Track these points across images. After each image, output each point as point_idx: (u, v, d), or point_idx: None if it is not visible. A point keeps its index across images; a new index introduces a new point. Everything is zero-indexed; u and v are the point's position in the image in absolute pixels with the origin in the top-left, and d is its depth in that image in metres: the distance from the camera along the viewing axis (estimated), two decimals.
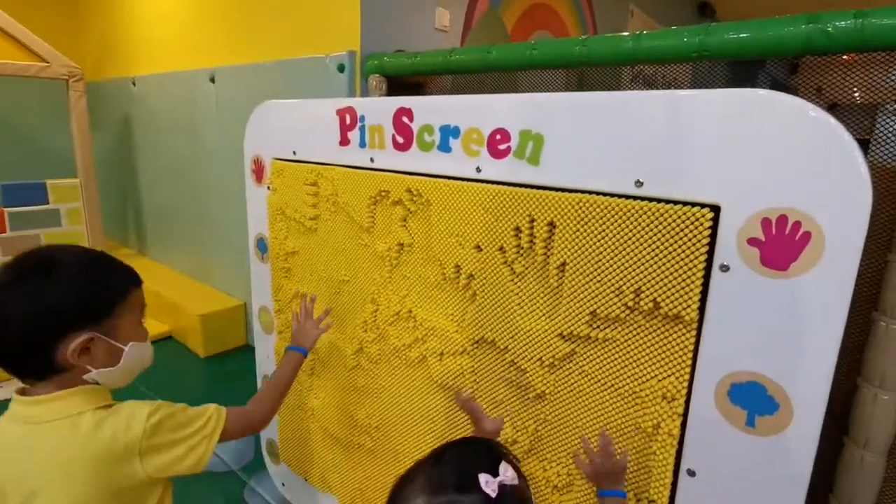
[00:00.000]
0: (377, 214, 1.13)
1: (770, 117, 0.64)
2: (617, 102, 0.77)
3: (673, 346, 0.76)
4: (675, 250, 0.72)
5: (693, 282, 0.71)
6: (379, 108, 1.07)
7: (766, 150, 0.65)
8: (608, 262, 0.79)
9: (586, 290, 0.82)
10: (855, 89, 1.18)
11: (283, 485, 1.59)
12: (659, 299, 0.75)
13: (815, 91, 1.28)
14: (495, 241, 0.92)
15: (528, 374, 0.93)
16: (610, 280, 0.79)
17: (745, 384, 0.69)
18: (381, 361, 1.19)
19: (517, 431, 0.97)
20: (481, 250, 0.95)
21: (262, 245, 1.45)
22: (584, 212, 0.80)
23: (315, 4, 2.01)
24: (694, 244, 0.70)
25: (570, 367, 0.88)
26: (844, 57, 1.13)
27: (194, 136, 2.73)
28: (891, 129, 1.01)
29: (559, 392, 0.90)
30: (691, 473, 0.76)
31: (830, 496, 0.92)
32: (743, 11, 4.16)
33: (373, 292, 1.17)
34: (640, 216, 0.74)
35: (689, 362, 0.74)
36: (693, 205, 0.70)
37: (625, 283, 0.78)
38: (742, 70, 1.42)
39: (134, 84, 3.11)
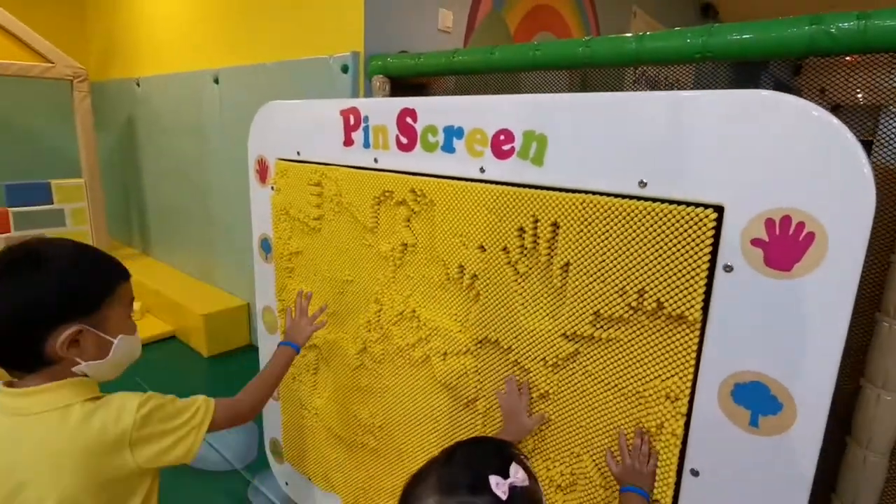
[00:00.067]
0: (381, 215, 1.13)
1: (774, 118, 0.64)
2: (620, 103, 0.77)
3: (676, 347, 0.76)
4: (678, 251, 0.72)
5: (696, 282, 0.72)
6: (383, 109, 1.08)
7: (770, 150, 0.65)
8: (612, 262, 0.79)
9: (590, 290, 0.82)
10: (858, 91, 1.19)
11: (287, 484, 1.60)
12: (662, 299, 0.75)
13: (818, 92, 1.29)
14: (499, 241, 0.93)
15: (531, 374, 0.93)
16: (613, 280, 0.79)
17: (749, 384, 0.69)
18: (385, 361, 1.19)
19: None
20: (485, 250, 0.95)
21: (265, 245, 1.45)
22: (587, 212, 0.80)
23: (318, 5, 2.02)
24: (697, 244, 0.71)
25: (574, 367, 0.88)
26: (848, 58, 1.13)
27: (198, 137, 2.74)
28: (894, 131, 1.01)
29: (563, 392, 0.90)
30: (695, 473, 0.76)
31: (833, 496, 0.92)
32: (746, 12, 4.15)
33: (376, 292, 1.17)
34: (644, 216, 0.75)
35: (693, 362, 0.75)
36: (696, 205, 0.70)
37: (628, 284, 0.78)
38: (745, 71, 1.42)
39: (138, 85, 3.13)
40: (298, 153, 1.28)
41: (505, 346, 0.96)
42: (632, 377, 0.81)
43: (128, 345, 0.77)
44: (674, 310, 0.74)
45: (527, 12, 2.72)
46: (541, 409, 0.94)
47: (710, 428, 0.74)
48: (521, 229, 0.89)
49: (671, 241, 0.73)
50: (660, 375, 0.78)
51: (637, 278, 0.77)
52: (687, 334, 0.75)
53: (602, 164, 0.79)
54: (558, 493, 0.94)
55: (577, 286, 0.84)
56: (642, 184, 0.75)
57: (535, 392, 0.93)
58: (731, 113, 0.67)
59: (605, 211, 0.78)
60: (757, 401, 0.69)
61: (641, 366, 0.80)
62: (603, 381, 0.85)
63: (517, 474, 0.56)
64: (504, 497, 0.54)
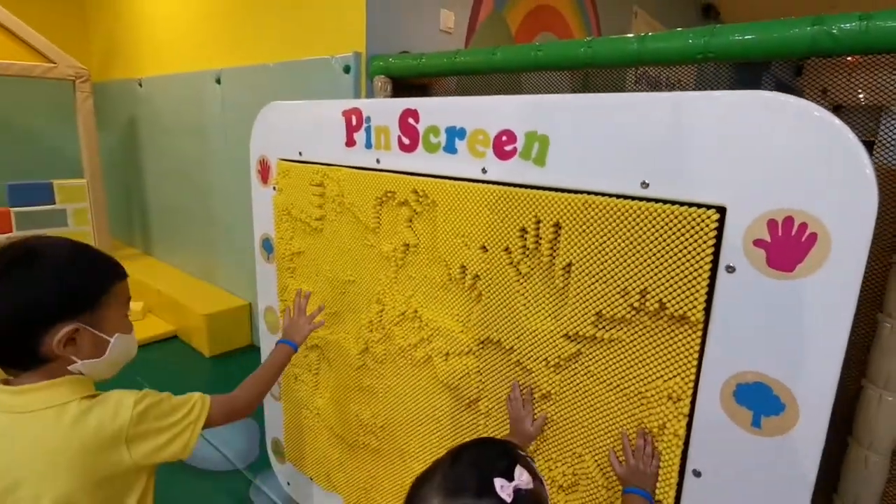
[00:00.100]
0: (383, 215, 1.13)
1: (776, 119, 0.65)
2: (622, 104, 0.77)
3: (678, 347, 0.76)
4: (680, 251, 0.73)
5: (699, 283, 0.72)
6: (385, 110, 1.08)
7: (772, 151, 0.65)
8: (614, 262, 0.79)
9: (592, 290, 0.82)
10: (860, 91, 1.19)
11: (289, 484, 1.60)
12: (664, 300, 0.75)
13: (820, 93, 1.29)
14: (501, 241, 0.93)
15: (533, 375, 0.93)
16: (616, 281, 0.79)
17: (751, 385, 0.69)
18: (387, 361, 1.20)
19: None
20: (487, 251, 0.95)
21: (267, 245, 1.46)
22: (589, 213, 0.80)
23: (320, 6, 2.02)
24: (700, 245, 0.71)
25: (576, 368, 0.88)
26: (849, 59, 1.13)
27: (200, 137, 2.75)
28: (895, 131, 1.01)
29: (564, 392, 0.90)
30: (697, 474, 0.76)
31: (835, 496, 0.92)
32: (747, 13, 4.15)
33: (378, 292, 1.17)
34: (646, 217, 0.75)
35: (695, 363, 0.75)
36: (699, 206, 0.71)
37: (630, 284, 0.78)
38: (747, 72, 1.42)
39: (140, 85, 3.13)
40: (300, 153, 1.29)
41: (507, 347, 0.96)
42: (634, 378, 0.81)
43: (124, 344, 0.78)
44: (676, 310, 0.74)
45: (528, 12, 2.72)
46: (543, 410, 0.94)
47: (713, 428, 0.74)
48: (524, 230, 0.89)
49: (673, 241, 0.73)
50: (662, 376, 0.78)
51: (639, 279, 0.77)
52: (689, 335, 0.75)
53: (604, 164, 0.79)
54: (560, 493, 0.94)
55: (579, 287, 0.84)
56: (644, 184, 0.75)
57: (537, 392, 0.94)
58: (733, 114, 0.68)
59: (608, 211, 0.78)
60: (759, 401, 0.69)
61: (643, 366, 0.80)
62: (605, 381, 0.85)
63: (522, 477, 0.56)
64: (509, 500, 0.54)
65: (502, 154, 0.91)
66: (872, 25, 1.00)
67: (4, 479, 0.67)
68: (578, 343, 0.87)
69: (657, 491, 0.80)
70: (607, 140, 0.78)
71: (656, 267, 0.75)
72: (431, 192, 1.01)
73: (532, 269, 0.91)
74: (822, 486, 0.71)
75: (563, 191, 0.84)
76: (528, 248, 0.90)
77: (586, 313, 0.84)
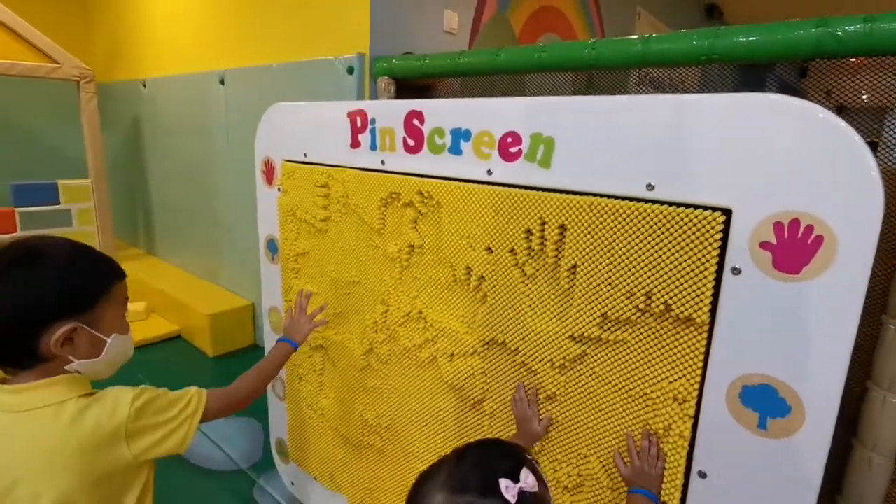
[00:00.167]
0: (388, 216, 1.14)
1: (782, 121, 0.65)
2: (628, 106, 0.77)
3: (684, 349, 0.76)
4: (686, 253, 0.73)
5: (704, 285, 0.72)
6: (390, 111, 1.08)
7: (778, 153, 0.65)
8: (619, 264, 0.79)
9: (597, 292, 0.83)
10: (863, 92, 1.19)
11: (293, 483, 1.61)
12: (670, 302, 0.75)
13: (824, 94, 1.29)
14: (506, 243, 0.93)
15: (538, 376, 0.93)
16: (621, 282, 0.80)
17: (757, 387, 0.69)
18: (392, 362, 1.20)
19: None
20: (492, 252, 0.96)
21: (272, 246, 1.46)
22: (595, 214, 0.80)
23: (324, 7, 2.03)
24: (705, 247, 0.71)
25: (581, 369, 0.88)
26: (853, 60, 1.13)
27: (204, 138, 2.75)
28: None
29: (570, 393, 0.90)
30: (702, 475, 0.77)
31: (838, 497, 0.92)
32: (751, 13, 4.15)
33: (383, 293, 1.18)
34: (652, 219, 0.75)
35: (701, 364, 0.75)
36: (704, 208, 0.71)
37: (636, 286, 0.78)
38: (751, 73, 1.42)
39: (144, 86, 3.14)
40: (305, 155, 1.29)
41: (512, 348, 0.96)
42: (639, 379, 0.82)
43: (121, 344, 0.78)
44: (681, 312, 0.74)
45: (532, 13, 2.72)
46: (548, 411, 0.94)
47: (718, 430, 0.74)
48: (529, 231, 0.90)
49: (679, 243, 0.73)
50: (667, 377, 0.79)
51: (645, 280, 0.77)
52: (695, 337, 0.75)
53: (610, 166, 0.79)
54: (565, 494, 0.94)
55: (584, 288, 0.84)
56: (650, 186, 0.75)
57: (542, 394, 0.94)
58: (738, 116, 0.68)
59: (613, 213, 0.78)
60: (765, 403, 0.69)
61: (649, 368, 0.80)
62: (610, 382, 0.85)
63: (527, 479, 0.57)
64: (513, 501, 0.54)
65: (507, 156, 0.91)
66: (877, 27, 1.00)
67: (3, 478, 0.68)
68: (584, 344, 0.87)
69: (662, 492, 0.80)
70: (613, 142, 0.78)
71: (662, 269, 0.75)
72: (436, 194, 1.01)
73: (537, 270, 0.91)
74: (826, 487, 0.71)
75: (568, 192, 0.84)
76: (533, 250, 0.90)
77: (592, 315, 0.84)
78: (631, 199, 0.77)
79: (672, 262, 0.74)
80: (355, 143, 1.16)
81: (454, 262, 1.01)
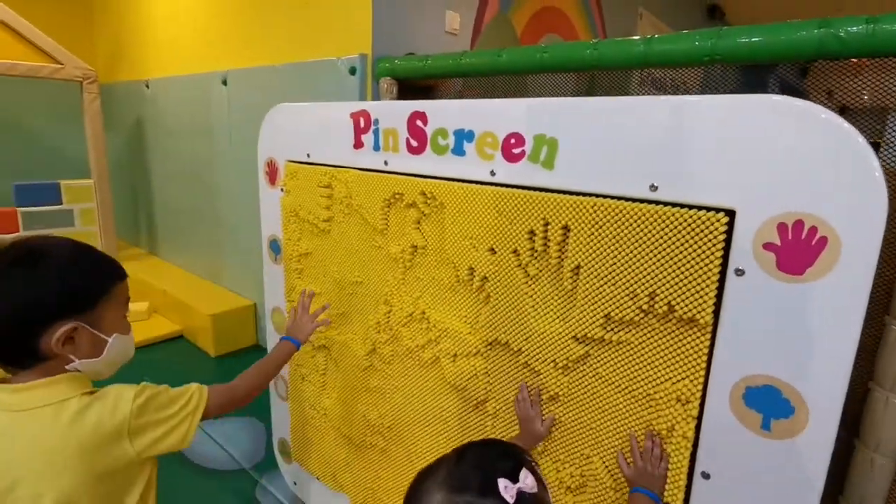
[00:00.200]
0: (391, 217, 1.14)
1: (785, 123, 0.65)
2: (631, 107, 0.77)
3: (687, 350, 0.76)
4: (689, 254, 0.73)
5: (708, 285, 0.72)
6: (393, 112, 1.08)
7: (782, 155, 0.65)
8: (623, 265, 0.80)
9: (601, 293, 0.83)
10: (865, 93, 1.19)
11: (295, 483, 1.61)
12: (673, 303, 0.75)
13: (825, 94, 1.29)
14: (509, 243, 0.93)
15: (541, 376, 0.93)
16: (624, 283, 0.80)
17: (761, 388, 0.69)
18: (395, 362, 1.20)
19: None
20: (495, 253, 0.96)
21: (274, 246, 1.47)
22: (598, 215, 0.81)
23: (326, 8, 2.03)
24: (709, 248, 0.71)
25: (584, 370, 0.88)
26: (854, 60, 1.13)
27: (206, 138, 2.76)
28: None
29: (573, 394, 0.91)
30: (706, 476, 0.77)
31: (840, 498, 0.92)
32: (753, 14, 4.14)
33: (386, 294, 1.18)
34: (655, 220, 0.75)
35: (704, 365, 0.75)
36: (708, 209, 0.71)
37: (639, 287, 0.78)
38: (753, 73, 1.42)
39: (147, 86, 3.15)
40: (308, 155, 1.29)
41: (515, 348, 0.96)
42: (642, 380, 0.82)
43: (122, 344, 0.79)
44: (685, 313, 0.75)
45: (533, 14, 2.72)
46: (551, 411, 0.94)
47: (722, 431, 0.74)
48: (532, 232, 0.90)
49: (682, 244, 0.73)
50: (670, 378, 0.79)
51: (648, 281, 0.77)
52: (698, 337, 0.75)
53: (613, 167, 0.79)
54: (568, 494, 0.94)
55: (587, 289, 0.84)
56: (653, 187, 0.76)
57: (545, 394, 0.94)
58: (742, 117, 0.68)
59: (616, 214, 0.79)
60: (769, 404, 0.69)
61: (652, 368, 0.80)
62: (613, 383, 0.85)
63: (526, 480, 0.57)
64: (511, 501, 0.54)
65: (511, 157, 0.91)
66: (879, 28, 1.00)
67: (3, 478, 0.68)
68: (587, 345, 0.87)
69: (665, 493, 0.80)
70: (616, 143, 0.78)
71: (665, 270, 0.75)
72: (440, 194, 1.02)
73: (540, 271, 0.91)
74: (828, 488, 0.71)
75: (571, 193, 0.84)
76: (536, 251, 0.90)
77: (595, 315, 0.84)
78: (634, 200, 0.77)
79: (675, 263, 0.74)
80: (358, 144, 1.16)
81: (457, 262, 1.02)
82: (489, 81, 1.84)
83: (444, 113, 1.00)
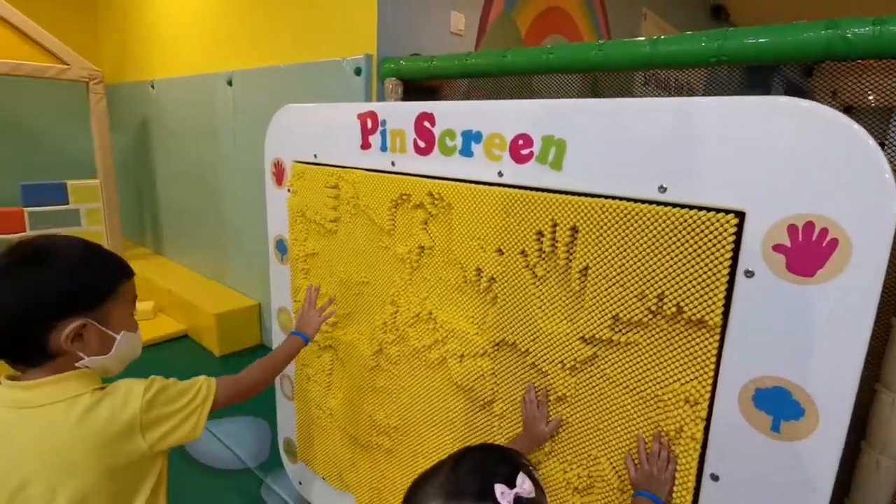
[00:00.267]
0: (398, 217, 1.14)
1: (795, 124, 0.65)
2: (640, 109, 0.77)
3: (696, 351, 0.76)
4: (699, 256, 0.73)
5: (717, 287, 0.72)
6: (400, 113, 1.09)
7: (792, 156, 0.65)
8: (631, 266, 0.80)
9: (609, 294, 0.83)
10: (870, 93, 1.19)
11: (301, 483, 1.61)
12: (682, 304, 0.75)
13: (830, 94, 1.29)
14: (517, 244, 0.93)
15: (549, 377, 0.94)
16: (633, 284, 0.80)
17: (771, 389, 0.69)
18: (401, 362, 1.21)
19: None
20: (503, 254, 0.96)
21: (281, 247, 1.47)
22: (607, 217, 0.81)
23: (331, 8, 2.04)
24: (718, 250, 0.71)
25: (592, 370, 0.89)
26: (858, 60, 1.13)
27: (211, 139, 2.77)
28: None
29: (580, 395, 0.91)
30: (714, 478, 0.77)
31: (846, 500, 0.92)
32: (757, 14, 4.13)
33: (393, 294, 1.18)
34: (664, 222, 0.75)
35: (713, 367, 0.75)
36: (717, 211, 0.71)
37: (648, 288, 0.78)
38: (757, 73, 1.42)
39: (152, 87, 3.16)
40: (315, 156, 1.30)
41: (522, 349, 0.97)
42: (650, 381, 0.82)
43: (130, 341, 0.79)
44: (694, 314, 0.75)
45: (538, 14, 2.73)
46: (558, 412, 0.94)
47: (731, 433, 0.74)
48: (540, 233, 0.90)
49: (691, 246, 0.73)
50: (679, 379, 0.79)
51: (657, 283, 0.77)
52: (707, 339, 0.75)
53: (621, 169, 0.79)
54: (575, 495, 0.94)
55: (595, 290, 0.84)
56: (662, 189, 0.76)
57: (552, 395, 0.94)
58: (751, 119, 0.68)
59: (625, 216, 0.79)
60: (779, 406, 0.69)
61: (660, 369, 0.81)
62: (621, 384, 0.85)
63: (524, 485, 0.57)
64: None
65: (519, 158, 0.91)
66: (886, 30, 1.00)
67: (15, 475, 0.68)
68: (594, 346, 0.87)
69: (674, 495, 0.80)
70: (625, 145, 0.78)
71: (674, 271, 0.76)
72: (447, 195, 1.02)
73: (548, 272, 0.91)
74: (834, 490, 0.71)
75: (579, 195, 0.84)
76: (544, 252, 0.91)
77: (603, 316, 0.84)
78: (643, 201, 0.78)
79: (684, 265, 0.74)
80: (366, 145, 1.17)
81: (465, 263, 1.02)
82: (494, 82, 1.85)
83: (451, 114, 1.00)
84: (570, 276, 0.87)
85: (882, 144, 1.05)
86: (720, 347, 0.74)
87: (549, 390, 0.94)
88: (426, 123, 1.04)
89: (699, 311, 0.74)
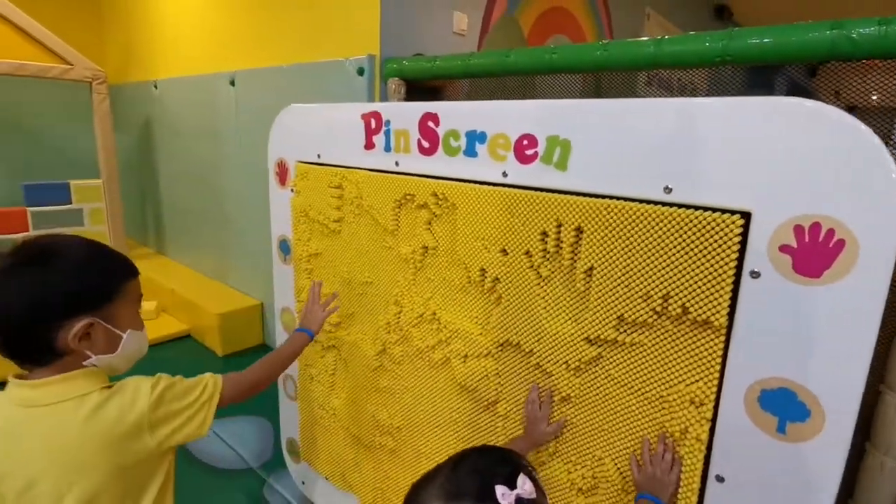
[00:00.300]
0: (402, 217, 1.14)
1: (801, 125, 0.65)
2: (645, 109, 0.77)
3: (701, 352, 0.76)
4: (704, 256, 0.73)
5: (722, 288, 0.72)
6: (404, 113, 1.09)
7: (798, 156, 0.65)
8: (636, 267, 0.79)
9: (614, 294, 0.83)
10: (873, 93, 1.18)
11: (303, 483, 1.61)
12: (687, 304, 0.75)
13: (833, 94, 1.28)
14: (521, 245, 0.93)
15: (553, 378, 0.93)
16: (638, 285, 0.80)
17: (776, 390, 0.69)
18: (405, 363, 1.20)
19: None
20: (507, 254, 0.96)
21: (284, 247, 1.47)
22: (612, 217, 0.81)
23: (334, 8, 2.04)
24: (724, 251, 0.71)
25: (597, 371, 0.88)
26: (863, 60, 1.13)
27: (214, 139, 2.77)
28: None
29: (585, 395, 0.91)
30: (720, 479, 0.77)
31: (850, 501, 0.92)
32: (760, 13, 4.13)
33: (396, 294, 1.18)
34: (669, 222, 0.75)
35: (718, 367, 0.75)
36: (723, 211, 0.71)
37: (653, 289, 0.78)
38: (761, 73, 1.42)
39: (155, 87, 3.16)
40: (319, 156, 1.30)
41: (526, 350, 0.96)
42: (655, 381, 0.82)
43: (136, 340, 0.80)
44: (699, 315, 0.74)
45: (540, 14, 2.72)
46: (563, 413, 0.94)
47: (736, 434, 0.74)
48: (545, 233, 0.90)
49: (697, 246, 0.73)
50: (684, 380, 0.79)
51: (662, 283, 0.77)
52: (712, 340, 0.75)
53: (627, 169, 0.79)
54: (579, 496, 0.94)
55: (600, 290, 0.84)
56: (667, 189, 0.75)
57: (556, 395, 0.94)
58: (757, 119, 0.68)
59: (630, 216, 0.79)
60: (784, 407, 0.69)
61: (665, 370, 0.80)
62: (626, 384, 0.85)
63: (524, 486, 0.56)
64: None
65: (523, 158, 0.91)
66: (892, 30, 1.00)
67: (22, 474, 0.68)
68: (599, 346, 0.87)
69: (679, 496, 0.80)
70: (630, 145, 0.78)
71: (679, 271, 0.75)
72: (451, 196, 1.02)
73: (553, 272, 0.91)
74: (838, 491, 0.71)
75: (584, 195, 0.84)
76: (548, 252, 0.91)
77: (608, 317, 0.84)
78: (648, 202, 0.77)
79: (690, 265, 0.74)
80: (369, 145, 1.17)
81: (469, 263, 1.02)
82: (497, 82, 1.84)
83: (456, 114, 1.00)
84: (575, 277, 0.87)
85: (885, 144, 1.05)
86: (725, 348, 0.74)
87: (554, 391, 0.94)
88: (430, 124, 1.04)
89: (705, 312, 0.74)
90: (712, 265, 0.72)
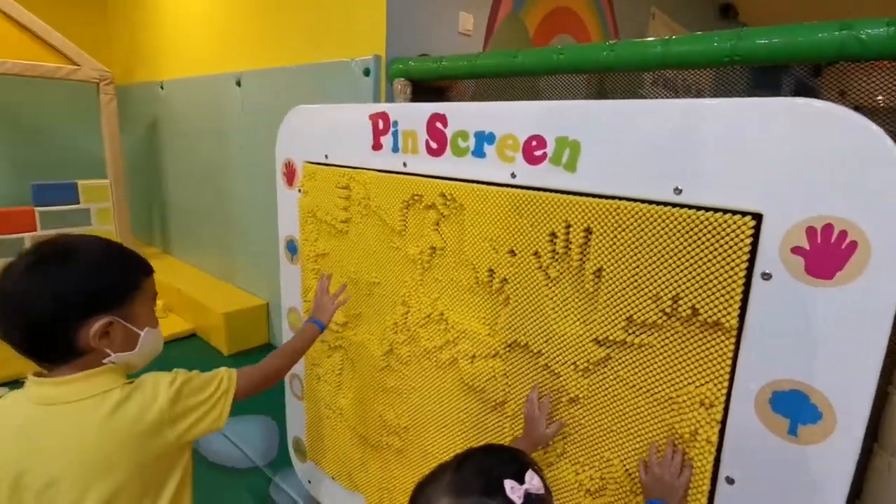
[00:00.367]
0: (409, 218, 1.15)
1: (813, 125, 0.65)
2: (655, 110, 0.77)
3: (712, 353, 0.76)
4: (715, 258, 0.73)
5: (733, 289, 0.72)
6: (412, 114, 1.09)
7: (809, 157, 0.65)
8: (646, 268, 0.79)
9: (623, 295, 0.83)
10: (879, 93, 1.18)
11: (310, 482, 1.62)
12: (698, 306, 0.75)
13: (838, 94, 1.28)
14: (530, 245, 0.93)
15: (561, 378, 0.93)
16: (647, 286, 0.80)
17: (788, 392, 0.69)
18: (412, 363, 1.21)
19: None
20: (515, 255, 0.96)
21: (291, 247, 1.47)
22: (621, 218, 0.81)
23: (340, 9, 2.04)
24: (735, 252, 0.71)
25: (605, 372, 0.88)
26: (871, 61, 1.12)
27: (220, 139, 2.78)
28: None
29: (593, 396, 0.91)
30: (730, 481, 0.76)
31: (857, 502, 0.91)
32: (766, 13, 4.11)
33: (404, 294, 1.18)
34: (679, 224, 0.75)
35: (728, 369, 0.75)
36: (734, 213, 0.71)
37: (663, 290, 0.78)
38: (766, 73, 1.41)
39: (162, 87, 3.18)
40: (326, 156, 1.30)
41: (535, 350, 0.97)
42: (665, 383, 0.82)
43: (153, 337, 0.81)
44: (709, 316, 0.74)
45: (546, 14, 2.72)
46: (571, 414, 0.94)
47: (747, 436, 0.73)
48: (553, 234, 0.90)
49: (707, 248, 0.73)
50: (694, 382, 0.78)
51: (672, 285, 0.77)
52: (722, 341, 0.75)
53: (636, 170, 0.79)
54: (587, 497, 0.94)
55: (609, 292, 0.84)
56: (678, 191, 0.75)
57: (564, 396, 0.94)
58: (768, 120, 0.68)
59: (640, 217, 0.79)
60: (796, 409, 0.69)
61: (675, 371, 0.80)
62: (635, 386, 0.85)
63: (533, 481, 0.57)
64: (519, 502, 0.54)
65: (532, 159, 0.91)
66: None
67: (42, 472, 0.69)
68: (608, 348, 0.87)
69: (689, 498, 0.79)
70: (640, 146, 0.78)
71: (689, 273, 0.75)
72: (459, 196, 1.02)
73: (561, 273, 0.91)
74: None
75: (594, 196, 0.84)
76: (557, 253, 0.91)
77: (617, 318, 0.84)
78: (658, 203, 0.77)
79: (700, 267, 0.74)
80: (377, 146, 1.17)
81: (477, 264, 1.02)
82: (504, 83, 1.84)
83: (464, 115, 1.00)
84: (584, 278, 0.87)
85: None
86: (736, 350, 0.74)
87: (562, 392, 0.94)
88: (438, 124, 1.04)
89: (715, 314, 0.74)
90: (723, 267, 0.72)
